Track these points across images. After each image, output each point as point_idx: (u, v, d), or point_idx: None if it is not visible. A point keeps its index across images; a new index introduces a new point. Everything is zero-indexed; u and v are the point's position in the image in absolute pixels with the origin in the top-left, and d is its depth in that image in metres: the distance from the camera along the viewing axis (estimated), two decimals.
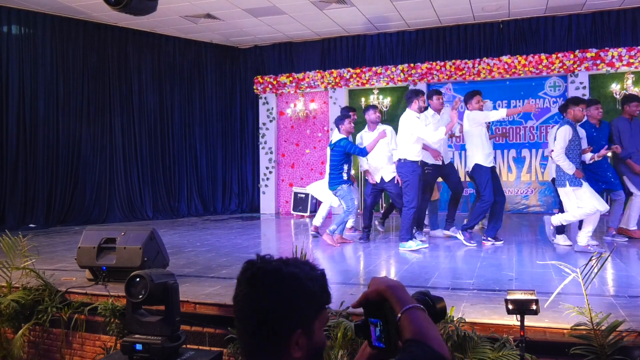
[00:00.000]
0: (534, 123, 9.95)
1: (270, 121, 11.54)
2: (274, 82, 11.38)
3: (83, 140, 9.80)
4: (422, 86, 10.30)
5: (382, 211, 8.93)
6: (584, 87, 9.49)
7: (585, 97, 9.14)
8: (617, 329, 2.92)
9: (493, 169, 6.34)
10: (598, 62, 9.36)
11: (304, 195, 10.60)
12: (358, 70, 10.71)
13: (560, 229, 6.10)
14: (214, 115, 11.74)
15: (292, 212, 10.73)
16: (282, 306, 1.06)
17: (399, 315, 1.06)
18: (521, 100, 10.05)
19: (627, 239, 6.38)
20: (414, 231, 6.38)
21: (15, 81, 8.99)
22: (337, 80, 10.87)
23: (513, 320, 2.98)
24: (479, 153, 6.19)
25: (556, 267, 3.79)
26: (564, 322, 3.07)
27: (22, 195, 8.99)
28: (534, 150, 9.93)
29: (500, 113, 6.21)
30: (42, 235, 7.78)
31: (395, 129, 6.76)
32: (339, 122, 6.69)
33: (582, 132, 6.22)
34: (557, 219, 5.82)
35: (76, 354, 4.23)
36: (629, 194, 6.47)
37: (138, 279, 2.93)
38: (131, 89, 10.52)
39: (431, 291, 1.22)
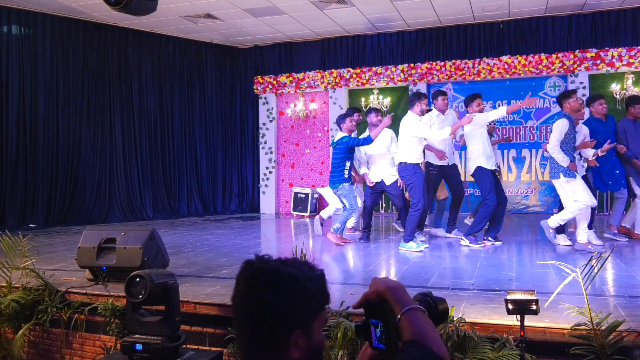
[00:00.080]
0: (534, 123, 9.95)
1: (270, 121, 11.54)
2: (274, 82, 11.38)
3: (83, 140, 9.80)
4: (422, 86, 10.31)
5: (381, 212, 8.92)
6: (584, 87, 9.49)
7: (586, 97, 9.15)
8: (617, 329, 2.92)
9: (494, 171, 6.34)
10: (598, 62, 9.36)
11: (304, 195, 10.60)
12: (358, 70, 10.71)
13: (560, 229, 6.10)
14: (214, 115, 11.74)
15: (292, 212, 10.73)
16: (281, 306, 1.06)
17: (399, 316, 1.06)
18: (521, 100, 10.04)
19: (627, 239, 6.38)
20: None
21: (15, 81, 8.99)
22: (337, 80, 10.87)
23: (513, 320, 2.98)
24: (481, 155, 6.18)
25: (556, 267, 3.79)
26: (564, 322, 3.07)
27: (22, 195, 8.98)
28: (534, 150, 9.93)
29: (500, 111, 6.19)
30: (42, 235, 7.78)
31: (395, 130, 6.76)
32: (340, 120, 6.70)
33: (585, 129, 6.22)
34: (553, 221, 5.79)
35: (76, 354, 4.23)
36: (633, 196, 6.46)
37: (138, 279, 2.93)
38: (131, 89, 10.52)
39: (432, 291, 1.22)
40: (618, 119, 6.69)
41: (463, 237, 6.33)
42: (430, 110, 6.71)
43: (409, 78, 10.42)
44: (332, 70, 10.88)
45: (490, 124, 7.04)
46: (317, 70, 11.02)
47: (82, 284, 4.43)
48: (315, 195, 10.76)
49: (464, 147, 6.95)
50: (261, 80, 11.48)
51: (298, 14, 9.58)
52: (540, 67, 9.64)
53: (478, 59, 9.99)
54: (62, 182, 9.48)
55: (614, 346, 2.88)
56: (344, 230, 6.71)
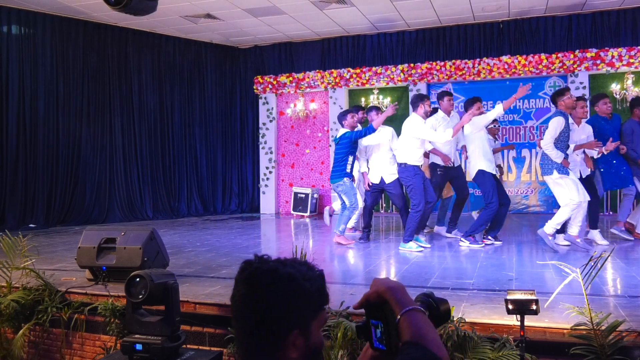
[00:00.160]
0: (534, 123, 9.95)
1: (270, 121, 11.54)
2: (274, 82, 11.38)
3: (83, 140, 9.80)
4: (422, 86, 10.31)
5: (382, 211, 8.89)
6: (584, 87, 9.49)
7: (586, 97, 9.15)
8: (617, 329, 2.92)
9: (495, 176, 6.35)
10: (598, 62, 9.36)
11: (304, 195, 10.60)
12: (358, 70, 10.71)
13: (560, 229, 6.10)
14: (214, 115, 11.74)
15: (292, 212, 10.73)
16: (279, 306, 1.06)
17: (398, 317, 1.06)
18: (521, 100, 10.05)
19: (632, 239, 6.39)
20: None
21: (15, 81, 8.99)
22: (337, 80, 10.87)
23: (513, 320, 2.98)
24: (482, 159, 6.16)
25: (556, 267, 3.79)
26: (564, 322, 3.07)
27: (22, 195, 8.98)
28: (534, 150, 9.92)
29: (497, 109, 6.15)
30: (42, 235, 7.78)
31: (396, 130, 6.76)
32: (342, 117, 6.71)
33: (588, 128, 6.22)
34: (549, 227, 5.71)
35: (76, 354, 4.23)
36: (638, 197, 6.47)
37: (138, 279, 2.93)
38: (131, 89, 10.52)
39: (432, 292, 1.21)
40: (621, 119, 6.69)
41: (462, 238, 6.33)
42: (435, 110, 6.70)
43: (409, 78, 10.42)
44: (332, 70, 10.88)
45: (493, 126, 7.05)
46: (317, 70, 11.03)
47: (82, 284, 4.43)
48: (315, 195, 10.76)
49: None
50: (261, 80, 11.48)
51: (298, 14, 9.58)
52: (540, 67, 9.64)
53: (478, 59, 9.99)
54: (62, 182, 9.48)
55: (614, 346, 2.88)
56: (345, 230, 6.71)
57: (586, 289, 3.04)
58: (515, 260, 5.29)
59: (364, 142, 6.71)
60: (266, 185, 11.54)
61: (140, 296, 2.91)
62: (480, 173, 6.15)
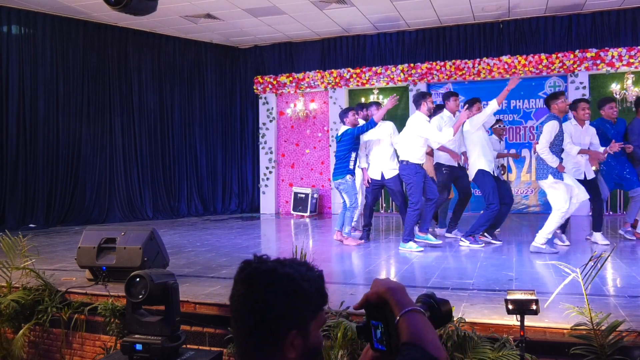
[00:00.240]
0: (534, 123, 9.95)
1: (270, 121, 11.54)
2: (274, 82, 11.38)
3: (83, 140, 9.80)
4: (422, 86, 10.31)
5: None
6: (584, 87, 9.49)
7: (586, 97, 9.16)
8: (617, 329, 2.92)
9: (497, 177, 6.35)
10: (598, 62, 9.36)
11: (304, 195, 10.60)
12: (358, 70, 10.71)
13: (561, 229, 6.11)
14: (214, 115, 11.74)
15: (292, 212, 10.72)
16: (278, 306, 1.06)
17: (398, 317, 1.06)
18: (521, 100, 10.06)
19: (634, 239, 6.40)
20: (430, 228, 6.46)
21: (15, 81, 8.99)
22: (337, 80, 10.87)
23: (513, 320, 2.98)
24: (481, 159, 6.16)
25: (556, 267, 3.79)
26: (564, 322, 3.07)
27: (22, 195, 8.99)
28: (534, 150, 9.92)
29: (492, 105, 6.11)
30: (42, 235, 7.78)
31: (398, 128, 6.76)
32: (343, 115, 6.72)
33: (592, 130, 6.22)
34: (541, 238, 5.66)
35: (76, 354, 4.23)
36: None
37: (138, 279, 2.93)
38: (131, 89, 10.52)
39: (429, 291, 1.21)
40: (626, 123, 6.69)
41: (462, 238, 6.33)
42: (440, 109, 6.70)
43: (409, 78, 10.43)
44: (332, 70, 10.89)
45: (498, 126, 7.05)
46: (317, 70, 11.03)
47: (82, 284, 4.43)
48: (315, 195, 10.76)
49: None
50: (261, 80, 11.48)
51: (298, 14, 9.58)
52: (540, 67, 9.64)
53: (478, 59, 9.99)
54: (62, 182, 9.49)
55: (614, 346, 2.88)
56: (343, 228, 6.70)
57: (586, 289, 3.04)
58: (515, 260, 5.29)
59: (365, 137, 6.69)
60: (266, 185, 11.54)
61: (140, 296, 2.91)
62: (480, 173, 6.15)
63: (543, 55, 9.60)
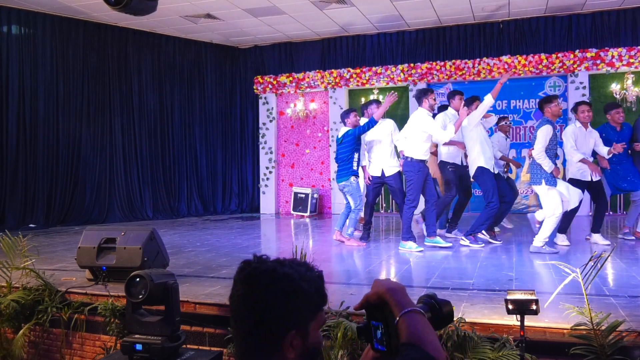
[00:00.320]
0: (534, 123, 9.94)
1: (270, 121, 11.54)
2: (274, 82, 11.38)
3: (83, 140, 9.80)
4: (422, 86, 10.30)
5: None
6: (584, 87, 9.50)
7: (586, 97, 9.17)
8: (617, 329, 2.92)
9: (497, 174, 6.34)
10: (598, 62, 9.36)
11: (304, 195, 10.60)
12: (358, 70, 10.71)
13: (562, 229, 6.12)
14: (214, 115, 11.74)
15: (292, 212, 10.72)
16: (278, 306, 1.07)
17: (397, 318, 1.06)
18: (521, 100, 10.06)
19: (634, 239, 6.40)
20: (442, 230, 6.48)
21: (15, 81, 8.99)
22: (337, 80, 10.87)
23: (513, 320, 2.98)
24: (480, 156, 6.16)
25: (556, 267, 3.79)
26: (564, 322, 3.07)
27: (22, 195, 8.99)
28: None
29: (487, 100, 6.09)
30: (42, 235, 7.78)
31: (398, 127, 6.76)
32: (345, 116, 6.71)
33: (595, 134, 6.22)
34: (539, 241, 5.67)
35: (76, 354, 4.23)
36: None
37: (138, 279, 2.93)
38: (131, 89, 10.52)
39: (431, 291, 1.21)
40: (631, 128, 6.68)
41: (463, 237, 6.33)
42: (444, 107, 6.70)
43: (409, 78, 10.43)
44: (332, 70, 10.89)
45: (505, 123, 7.05)
46: (317, 70, 11.03)
47: (82, 284, 4.43)
48: (315, 195, 10.76)
49: None
50: (261, 80, 11.48)
51: (298, 14, 9.58)
52: (540, 67, 9.64)
53: (478, 59, 9.99)
54: (62, 182, 9.49)
55: (614, 346, 2.88)
56: (343, 227, 6.70)
57: (586, 289, 3.04)
58: (515, 260, 5.29)
59: (367, 137, 6.69)
60: (266, 185, 11.54)
61: (140, 296, 2.91)
62: (480, 170, 6.15)
63: (543, 55, 9.60)
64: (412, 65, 10.40)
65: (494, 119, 6.94)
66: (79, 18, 9.64)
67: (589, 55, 9.37)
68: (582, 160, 5.97)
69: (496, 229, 6.80)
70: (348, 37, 11.03)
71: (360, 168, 6.93)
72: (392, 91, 6.53)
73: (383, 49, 10.83)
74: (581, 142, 6.07)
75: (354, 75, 10.73)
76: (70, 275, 4.79)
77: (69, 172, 9.61)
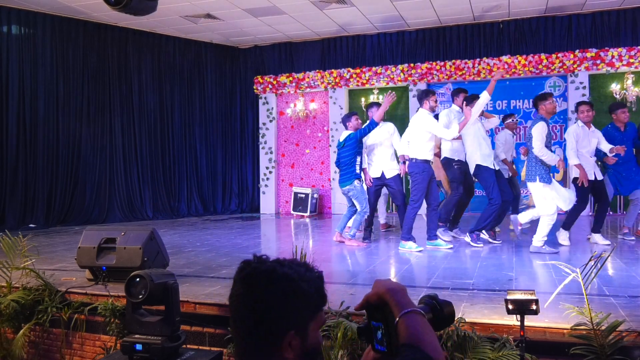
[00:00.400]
0: None
1: (270, 121, 11.54)
2: (274, 82, 11.38)
3: (83, 140, 9.80)
4: (422, 86, 10.30)
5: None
6: (584, 87, 9.49)
7: (586, 97, 9.16)
8: (617, 329, 2.92)
9: (498, 172, 6.34)
10: (598, 62, 9.36)
11: (303, 195, 10.60)
12: (358, 70, 10.71)
13: (566, 226, 6.14)
14: (214, 115, 11.74)
15: (292, 212, 10.72)
16: (277, 307, 1.07)
17: (397, 319, 1.06)
18: (521, 100, 10.06)
19: (634, 239, 6.40)
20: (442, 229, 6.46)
21: (15, 81, 8.99)
22: (337, 80, 10.87)
23: (513, 320, 2.98)
24: (477, 153, 6.17)
25: (556, 267, 3.79)
26: (564, 322, 3.07)
27: (22, 195, 8.99)
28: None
29: (484, 96, 6.10)
30: (42, 235, 7.78)
31: (398, 128, 6.76)
32: (346, 119, 6.71)
33: (598, 133, 6.22)
34: (537, 241, 5.67)
35: (76, 354, 4.23)
36: None
37: (138, 279, 2.93)
38: (131, 89, 10.52)
39: (431, 291, 1.21)
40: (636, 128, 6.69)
41: (465, 235, 6.35)
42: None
43: (409, 78, 10.43)
44: (332, 70, 10.88)
45: (511, 120, 7.06)
46: (317, 70, 11.03)
47: (82, 284, 4.43)
48: (315, 195, 10.76)
49: None
50: (261, 80, 11.48)
51: (298, 14, 9.58)
52: (540, 67, 9.64)
53: (478, 59, 9.99)
54: (62, 182, 9.49)
55: (614, 346, 2.88)
56: (343, 229, 6.70)
57: (586, 289, 3.04)
58: (515, 260, 5.29)
59: (369, 141, 6.71)
60: (266, 185, 11.54)
61: (140, 296, 2.90)
62: (478, 168, 6.18)
63: (543, 55, 9.60)
64: (412, 65, 10.40)
65: (495, 120, 6.94)
66: (79, 18, 9.64)
67: (589, 55, 9.37)
68: (577, 166, 5.99)
69: (497, 229, 6.80)
70: (348, 37, 11.02)
71: (361, 171, 6.95)
72: (390, 91, 6.53)
73: (383, 49, 10.83)
74: (583, 141, 6.07)
75: (354, 75, 10.73)
76: (70, 275, 4.79)
77: (69, 172, 9.61)
